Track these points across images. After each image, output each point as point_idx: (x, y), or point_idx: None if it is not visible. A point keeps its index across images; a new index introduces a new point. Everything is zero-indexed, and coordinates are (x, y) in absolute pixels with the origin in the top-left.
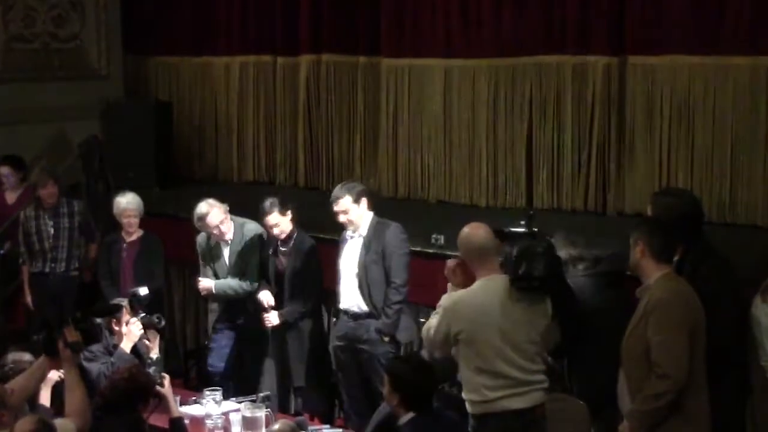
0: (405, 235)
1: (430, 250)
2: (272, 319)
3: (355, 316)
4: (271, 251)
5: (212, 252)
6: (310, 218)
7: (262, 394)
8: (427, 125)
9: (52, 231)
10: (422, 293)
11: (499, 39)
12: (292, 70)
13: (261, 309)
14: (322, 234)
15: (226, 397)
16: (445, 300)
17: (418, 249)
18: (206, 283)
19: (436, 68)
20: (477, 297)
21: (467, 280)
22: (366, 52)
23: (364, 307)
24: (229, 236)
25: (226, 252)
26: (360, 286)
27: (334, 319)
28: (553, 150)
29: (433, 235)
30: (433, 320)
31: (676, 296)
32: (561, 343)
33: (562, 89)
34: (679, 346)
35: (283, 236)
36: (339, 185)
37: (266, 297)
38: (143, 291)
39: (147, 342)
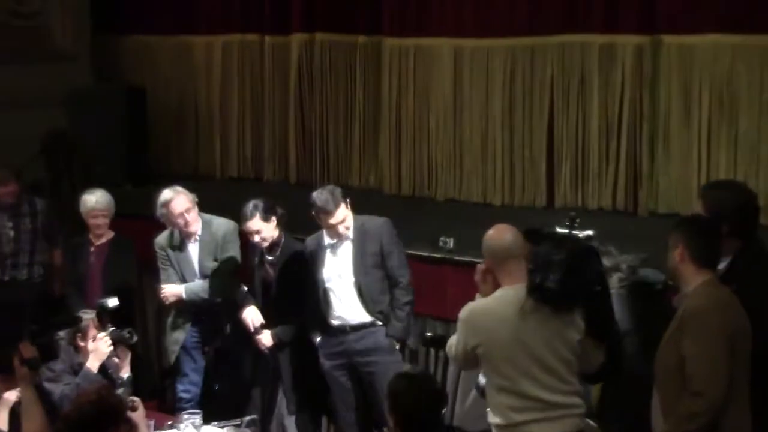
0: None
1: (438, 255)
2: (265, 340)
3: (356, 328)
4: (256, 260)
5: (177, 252)
6: (302, 219)
7: (247, 418)
8: (434, 113)
9: (12, 234)
10: (429, 303)
11: (517, 16)
12: (281, 51)
13: (248, 329)
14: None
15: (206, 421)
16: (462, 311)
17: (424, 254)
18: (174, 288)
19: (444, 49)
20: (494, 307)
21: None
22: (365, 30)
23: (367, 318)
24: (195, 228)
25: (194, 250)
26: (361, 295)
27: (318, 338)
28: (576, 141)
29: (441, 238)
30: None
31: (715, 304)
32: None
33: (588, 73)
34: (717, 360)
35: (265, 244)
36: (320, 195)
37: (253, 315)
38: (112, 302)
39: (116, 360)
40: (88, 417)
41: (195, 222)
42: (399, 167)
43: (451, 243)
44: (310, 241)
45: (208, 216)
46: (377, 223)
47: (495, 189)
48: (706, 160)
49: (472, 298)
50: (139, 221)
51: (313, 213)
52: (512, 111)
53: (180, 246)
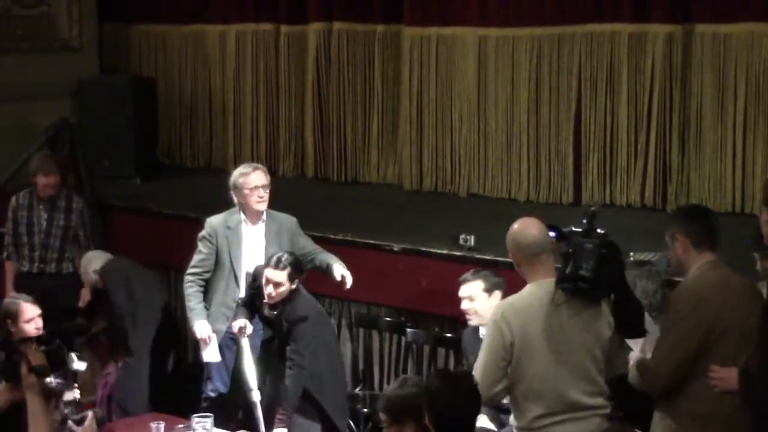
0: None
1: (458, 253)
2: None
3: None
4: (257, 301)
5: (230, 232)
6: (319, 215)
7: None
8: (457, 106)
9: (44, 225)
10: (447, 303)
11: (543, 4)
12: (298, 41)
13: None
14: (333, 235)
15: (217, 424)
16: (492, 313)
17: (444, 252)
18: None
19: (468, 38)
20: (526, 302)
21: None
22: (385, 19)
23: None
24: (263, 208)
25: (255, 232)
26: None
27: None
28: (605, 134)
29: (462, 236)
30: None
31: (698, 285)
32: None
33: (617, 63)
34: (673, 346)
35: (263, 207)
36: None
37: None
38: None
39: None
40: None
41: (266, 202)
42: (420, 161)
43: (472, 240)
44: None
45: (272, 211)
46: None
47: (520, 184)
48: (741, 154)
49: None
50: (147, 217)
51: None
52: (538, 103)
53: (236, 228)
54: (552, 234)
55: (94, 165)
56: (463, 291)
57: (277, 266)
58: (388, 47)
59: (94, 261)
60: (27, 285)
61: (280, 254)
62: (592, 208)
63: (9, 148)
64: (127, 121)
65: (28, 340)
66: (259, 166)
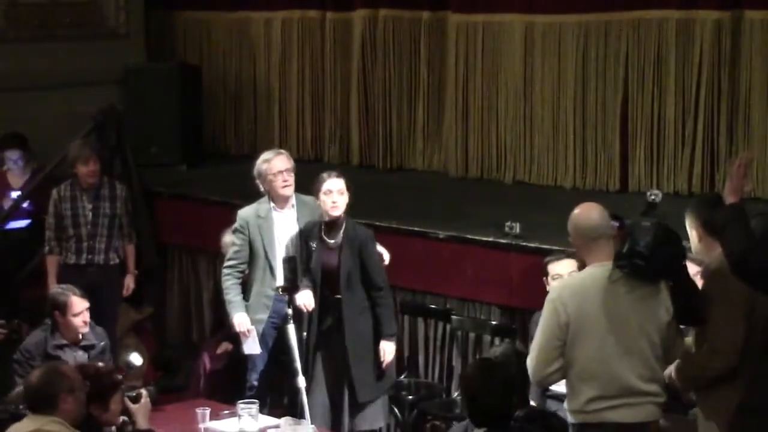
0: None
1: (503, 241)
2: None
3: None
4: (314, 245)
5: (261, 221)
6: (365, 202)
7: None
8: (503, 93)
9: (90, 216)
10: (492, 291)
11: None
12: (343, 28)
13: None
14: (378, 222)
15: (262, 410)
16: (550, 292)
17: (489, 239)
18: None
19: (514, 25)
20: (583, 282)
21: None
22: (431, 6)
23: None
24: (290, 192)
25: (285, 217)
26: None
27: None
28: (652, 122)
29: (507, 223)
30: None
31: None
32: None
33: (664, 50)
34: (737, 321)
35: (336, 212)
36: None
37: (306, 299)
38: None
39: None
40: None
41: (291, 186)
42: (466, 148)
43: (517, 228)
44: None
45: (301, 195)
46: None
47: (566, 171)
48: None
49: (538, 287)
50: (193, 203)
51: None
52: (585, 90)
53: (267, 215)
54: (615, 224)
55: (140, 152)
56: (555, 268)
57: (338, 176)
58: (433, 34)
59: None
60: (72, 277)
61: (328, 171)
62: (653, 198)
63: (57, 135)
64: (173, 108)
65: None
66: (282, 151)
